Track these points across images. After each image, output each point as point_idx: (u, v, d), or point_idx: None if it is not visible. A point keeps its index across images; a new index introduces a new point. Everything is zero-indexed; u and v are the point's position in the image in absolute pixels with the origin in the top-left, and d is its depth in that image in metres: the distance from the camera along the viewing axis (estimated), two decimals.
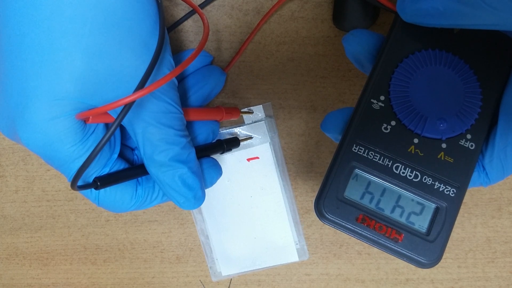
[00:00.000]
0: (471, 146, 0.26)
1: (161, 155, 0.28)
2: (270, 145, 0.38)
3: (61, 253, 0.42)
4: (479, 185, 0.27)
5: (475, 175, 0.27)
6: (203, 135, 0.33)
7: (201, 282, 0.42)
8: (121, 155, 0.31)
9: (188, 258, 0.41)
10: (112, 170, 0.29)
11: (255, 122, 0.38)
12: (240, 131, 0.38)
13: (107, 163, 0.29)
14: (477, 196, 0.39)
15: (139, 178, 0.30)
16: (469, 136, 0.26)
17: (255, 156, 0.39)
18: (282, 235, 0.40)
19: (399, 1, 0.26)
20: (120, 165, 0.30)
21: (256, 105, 0.38)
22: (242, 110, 0.37)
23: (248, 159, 0.39)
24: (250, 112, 0.38)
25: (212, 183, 0.33)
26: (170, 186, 0.29)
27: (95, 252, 0.42)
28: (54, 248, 0.42)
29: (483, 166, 0.27)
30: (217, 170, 0.33)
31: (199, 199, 0.30)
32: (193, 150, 0.30)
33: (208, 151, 0.33)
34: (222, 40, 0.37)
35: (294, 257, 0.40)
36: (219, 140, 0.35)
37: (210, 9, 0.37)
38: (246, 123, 0.38)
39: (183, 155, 0.29)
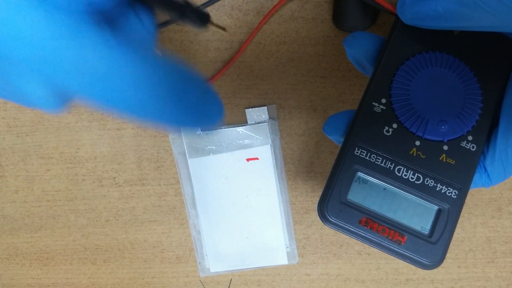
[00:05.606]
0: (473, 147, 0.26)
1: None
2: (270, 147, 0.38)
3: (61, 253, 0.42)
4: (480, 186, 0.27)
5: (476, 176, 0.27)
6: None
7: (201, 282, 0.42)
8: None
9: (188, 258, 0.41)
10: None
11: (258, 123, 0.38)
12: (242, 130, 0.38)
13: None
14: (477, 196, 0.39)
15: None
16: (470, 138, 0.26)
17: (255, 156, 0.39)
18: (273, 237, 0.40)
19: (399, 4, 0.25)
20: None
21: (258, 105, 0.38)
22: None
23: (248, 159, 0.39)
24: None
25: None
26: None
27: (95, 252, 0.42)
28: (54, 248, 0.42)
29: (484, 167, 0.27)
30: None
31: None
32: None
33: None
34: (222, 40, 0.37)
35: (283, 260, 0.40)
36: (186, 1, 0.23)
37: (210, 9, 0.37)
38: (249, 123, 0.38)
39: None
